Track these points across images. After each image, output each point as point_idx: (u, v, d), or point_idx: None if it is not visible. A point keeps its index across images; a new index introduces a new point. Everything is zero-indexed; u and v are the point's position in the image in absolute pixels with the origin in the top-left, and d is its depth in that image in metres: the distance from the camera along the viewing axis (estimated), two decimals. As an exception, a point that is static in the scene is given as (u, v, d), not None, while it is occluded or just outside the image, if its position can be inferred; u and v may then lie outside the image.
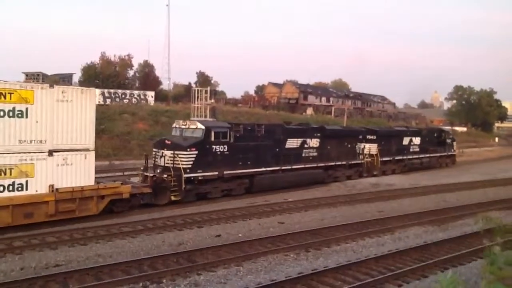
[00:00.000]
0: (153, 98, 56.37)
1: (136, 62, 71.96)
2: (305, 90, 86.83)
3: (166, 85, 77.10)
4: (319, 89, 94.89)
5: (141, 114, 46.91)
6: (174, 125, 22.64)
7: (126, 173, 26.43)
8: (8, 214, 14.39)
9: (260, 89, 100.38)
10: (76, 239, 14.07)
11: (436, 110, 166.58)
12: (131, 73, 71.77)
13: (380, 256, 12.72)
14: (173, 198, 19.46)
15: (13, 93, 14.49)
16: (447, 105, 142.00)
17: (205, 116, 25.81)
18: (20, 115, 14.62)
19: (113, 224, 15.91)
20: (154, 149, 21.49)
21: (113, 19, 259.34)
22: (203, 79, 76.86)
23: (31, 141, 14.93)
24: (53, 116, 15.35)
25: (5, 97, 14.32)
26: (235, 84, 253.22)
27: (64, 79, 63.30)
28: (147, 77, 71.15)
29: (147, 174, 20.01)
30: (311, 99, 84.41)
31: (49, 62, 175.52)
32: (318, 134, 27.35)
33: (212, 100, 34.02)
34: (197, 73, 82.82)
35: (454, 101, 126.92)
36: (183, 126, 21.65)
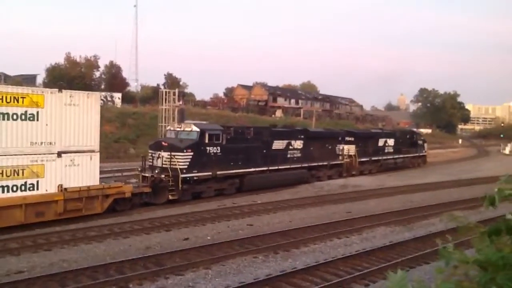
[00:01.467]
0: (120, 100, 55.52)
1: (102, 63, 70.89)
2: (274, 92, 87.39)
3: (133, 86, 76.27)
4: (288, 92, 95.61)
5: (107, 116, 45.96)
6: (168, 127, 23.57)
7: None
8: (21, 213, 14.99)
9: (229, 91, 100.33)
10: (40, 244, 13.72)
11: (402, 112, 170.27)
12: (97, 74, 70.60)
13: (348, 256, 12.88)
14: (171, 197, 20.22)
15: (25, 97, 15.20)
16: (412, 108, 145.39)
17: (173, 118, 25.62)
18: (31, 118, 15.32)
19: (78, 229, 15.58)
20: (150, 151, 22.11)
21: (79, 19, 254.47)
22: (172, 81, 76.13)
23: (41, 143, 15.63)
24: (61, 119, 16.15)
25: (17, 101, 14.99)
26: (204, 86, 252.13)
27: (27, 80, 61.64)
28: (114, 79, 70.04)
29: (145, 174, 20.51)
30: (280, 101, 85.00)
31: (10, 62, 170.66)
32: (302, 136, 28.56)
33: (180, 102, 33.75)
34: (165, 74, 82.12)
35: (420, 104, 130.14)
36: (178, 129, 22.54)
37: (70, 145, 16.42)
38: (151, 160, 21.41)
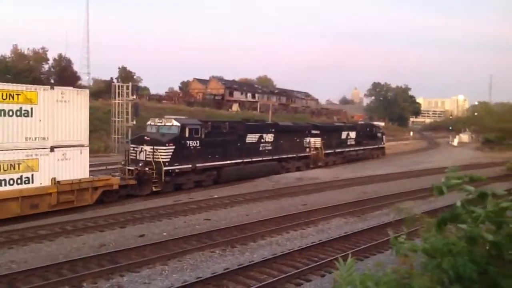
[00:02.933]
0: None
1: (52, 56, 68.34)
2: (231, 86, 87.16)
3: (85, 80, 74.14)
4: (245, 86, 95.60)
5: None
6: (149, 122, 24.30)
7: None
8: (18, 205, 15.77)
9: (185, 85, 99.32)
10: (-14, 245, 13.13)
11: (357, 105, 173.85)
12: (46, 67, 67.99)
13: (304, 248, 13.06)
14: (154, 189, 21.11)
15: (20, 94, 15.88)
16: (366, 101, 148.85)
17: (127, 113, 25.20)
18: (26, 115, 16.00)
19: (28, 228, 14.98)
20: (132, 145, 22.95)
21: (27, 10, 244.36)
22: (125, 75, 74.41)
23: (35, 138, 16.39)
24: (53, 115, 16.85)
25: (13, 98, 15.64)
26: (160, 80, 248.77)
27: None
28: (64, 72, 67.68)
29: (129, 168, 21.30)
30: (237, 95, 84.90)
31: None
32: (273, 130, 30.01)
33: (134, 96, 33.12)
34: (118, 68, 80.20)
35: (373, 97, 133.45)
36: (159, 123, 23.43)
37: (62, 140, 17.20)
38: (134, 154, 22.10)
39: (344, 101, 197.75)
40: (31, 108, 16.10)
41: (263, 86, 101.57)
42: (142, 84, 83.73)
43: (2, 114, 15.37)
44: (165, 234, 14.80)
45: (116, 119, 32.18)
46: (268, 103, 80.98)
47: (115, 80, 61.73)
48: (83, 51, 72.62)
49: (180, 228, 15.58)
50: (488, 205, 2.63)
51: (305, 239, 14.41)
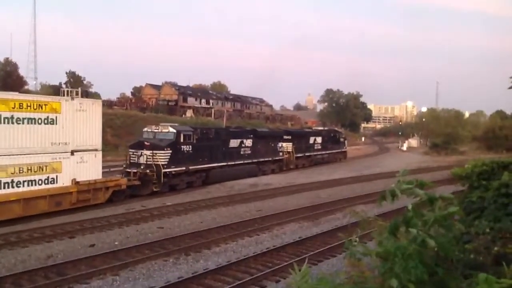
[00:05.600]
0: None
1: (-4, 60, 65.45)
2: (185, 92, 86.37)
3: (32, 85, 71.39)
4: (199, 91, 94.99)
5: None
6: (145, 129, 26.72)
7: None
8: (46, 203, 17.85)
9: (137, 90, 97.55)
10: None
11: (310, 111, 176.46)
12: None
13: (259, 254, 13.03)
14: (154, 189, 23.41)
15: (47, 105, 18.03)
16: (320, 107, 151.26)
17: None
18: (51, 122, 18.11)
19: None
20: (131, 150, 24.84)
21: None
22: (75, 80, 72.36)
23: (59, 143, 18.47)
24: (73, 123, 18.97)
25: (41, 108, 17.78)
26: (111, 85, 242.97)
27: None
28: (9, 77, 64.94)
29: (130, 170, 23.25)
30: (191, 101, 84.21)
31: None
32: (251, 135, 32.92)
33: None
34: (67, 73, 77.93)
35: (326, 104, 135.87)
36: (156, 130, 25.93)
37: (80, 145, 19.33)
38: (134, 158, 24.19)
39: (298, 107, 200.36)
40: (56, 117, 18.27)
41: (218, 92, 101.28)
42: (92, 90, 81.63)
43: (33, 122, 17.48)
44: (116, 243, 14.38)
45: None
46: (223, 109, 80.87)
47: (64, 86, 59.84)
48: (30, 54, 69.91)
49: (132, 237, 15.18)
50: (436, 209, 2.69)
51: (260, 245, 14.39)
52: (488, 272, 2.60)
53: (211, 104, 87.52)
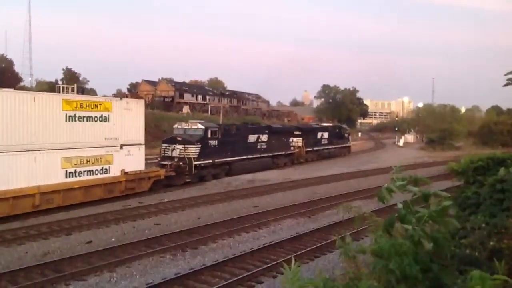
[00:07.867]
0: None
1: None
2: (181, 88, 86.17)
3: (27, 82, 71.05)
4: (195, 87, 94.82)
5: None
6: (176, 125, 29.60)
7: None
8: (101, 191, 20.31)
9: (133, 86, 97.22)
10: None
11: (307, 107, 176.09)
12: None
13: (256, 250, 13.06)
14: (187, 179, 26.08)
15: (101, 104, 20.60)
16: (316, 103, 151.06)
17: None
18: (105, 120, 20.58)
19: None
20: (164, 144, 27.46)
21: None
22: (71, 76, 72.07)
23: (111, 138, 20.91)
24: (122, 120, 21.43)
25: (97, 107, 20.29)
26: (107, 82, 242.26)
27: None
28: (4, 73, 64.65)
29: (164, 163, 25.95)
30: (187, 97, 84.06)
31: None
32: (267, 131, 35.50)
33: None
34: (63, 69, 77.62)
35: (322, 99, 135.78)
36: (186, 127, 28.55)
37: (127, 140, 21.75)
38: (167, 152, 26.72)
39: (295, 103, 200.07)
40: (108, 115, 20.69)
41: (214, 88, 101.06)
42: (88, 86, 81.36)
43: (91, 119, 19.90)
44: (113, 240, 14.40)
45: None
46: (219, 105, 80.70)
47: (59, 82, 59.60)
48: (25, 51, 69.54)
49: (129, 234, 15.19)
50: (431, 205, 2.70)
51: (257, 240, 14.41)
52: (483, 268, 2.61)
53: (207, 100, 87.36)
